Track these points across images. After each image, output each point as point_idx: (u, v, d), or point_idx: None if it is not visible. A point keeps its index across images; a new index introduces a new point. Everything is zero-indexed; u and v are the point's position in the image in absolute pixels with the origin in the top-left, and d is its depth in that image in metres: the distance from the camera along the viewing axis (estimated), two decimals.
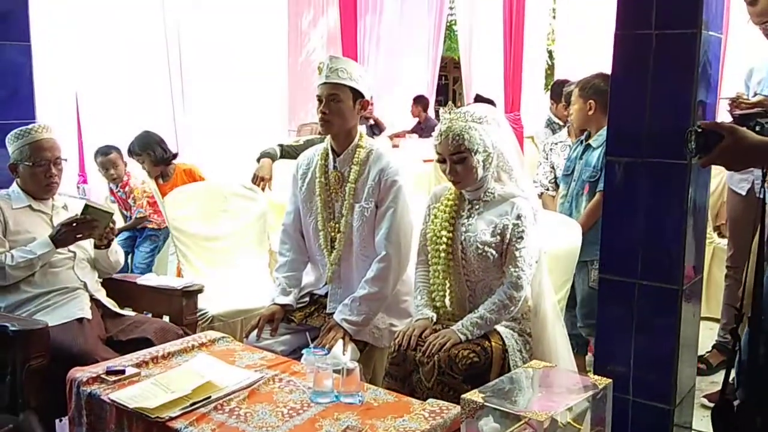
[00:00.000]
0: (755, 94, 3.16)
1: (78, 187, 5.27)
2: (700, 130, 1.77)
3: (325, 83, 2.64)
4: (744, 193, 3.46)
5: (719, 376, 3.47)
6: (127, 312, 2.94)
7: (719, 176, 4.25)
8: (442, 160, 2.46)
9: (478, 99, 6.77)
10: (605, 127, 3.18)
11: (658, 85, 2.04)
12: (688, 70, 2.00)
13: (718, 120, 2.20)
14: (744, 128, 1.78)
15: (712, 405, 3.14)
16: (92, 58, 5.09)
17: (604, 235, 2.21)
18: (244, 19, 5.69)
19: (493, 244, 2.40)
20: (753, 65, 3.39)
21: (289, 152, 4.19)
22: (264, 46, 5.92)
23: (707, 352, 3.61)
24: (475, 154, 2.39)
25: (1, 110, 3.17)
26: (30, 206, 2.83)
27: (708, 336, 3.70)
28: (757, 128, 1.87)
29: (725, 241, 3.90)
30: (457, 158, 2.40)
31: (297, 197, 2.86)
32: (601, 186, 3.16)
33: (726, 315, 3.64)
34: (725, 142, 1.73)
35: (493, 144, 2.44)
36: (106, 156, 4.49)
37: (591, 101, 3.32)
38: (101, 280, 2.98)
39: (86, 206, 2.75)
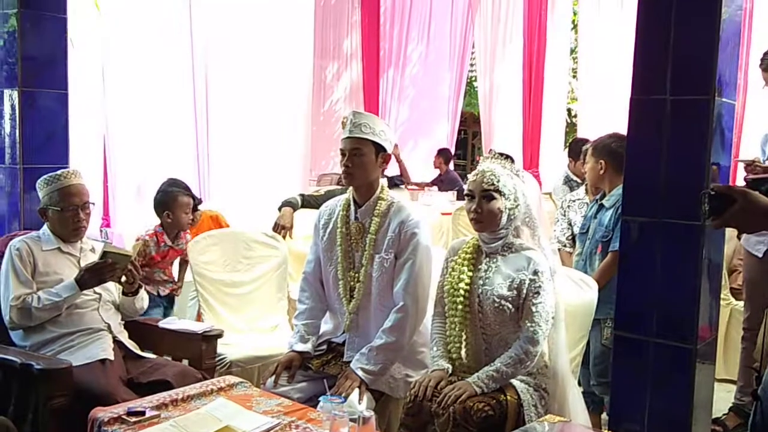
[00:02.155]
0: None
1: (101, 231, 5.37)
2: (713, 192, 1.82)
3: (348, 137, 2.73)
4: (761, 255, 3.48)
5: None
6: (148, 354, 2.98)
7: (733, 240, 4.27)
8: (470, 197, 2.52)
9: (490, 152, 6.85)
10: (618, 187, 3.27)
11: (673, 147, 2.11)
12: (702, 134, 2.07)
13: (735, 183, 2.25)
14: (756, 192, 1.82)
15: None
16: (120, 103, 5.24)
17: (620, 293, 2.25)
18: (270, 69, 5.86)
19: (510, 299, 2.44)
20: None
21: (310, 202, 4.29)
22: (288, 96, 6.08)
23: (724, 415, 3.58)
24: (505, 198, 2.46)
25: (37, 154, 3.29)
26: (59, 248, 2.92)
27: (725, 398, 3.67)
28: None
29: (743, 303, 3.90)
30: (486, 195, 2.47)
31: (318, 246, 2.92)
32: (613, 246, 3.20)
33: (743, 377, 3.61)
34: (737, 205, 1.76)
35: (524, 196, 2.50)
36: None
37: (602, 161, 3.38)
38: (124, 322, 3.04)
39: (104, 252, 2.83)
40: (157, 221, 3.72)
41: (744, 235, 3.60)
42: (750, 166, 3.13)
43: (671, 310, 2.10)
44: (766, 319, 3.11)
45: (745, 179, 2.12)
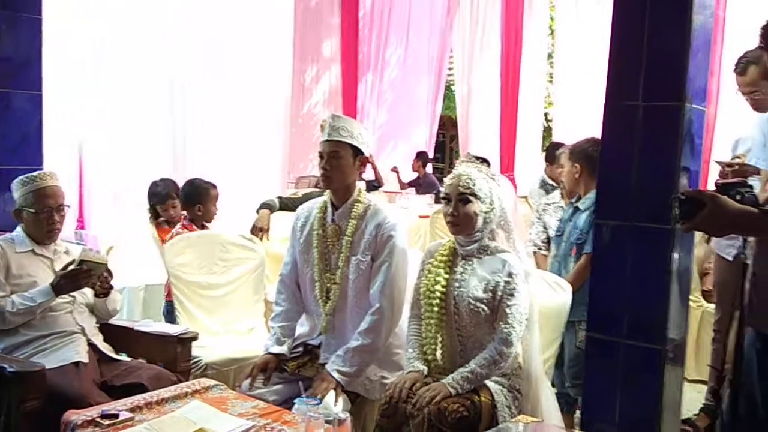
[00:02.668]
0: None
1: (75, 233, 5.32)
2: (683, 197, 1.86)
3: (327, 140, 2.74)
4: (731, 259, 3.54)
5: None
6: (123, 357, 2.97)
7: (705, 243, 4.35)
8: (447, 200, 2.55)
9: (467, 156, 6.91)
10: (593, 191, 3.32)
11: (645, 153, 2.14)
12: (673, 140, 2.11)
13: (706, 186, 2.30)
14: (725, 197, 1.86)
15: None
16: (96, 106, 5.20)
17: (592, 295, 2.28)
18: (249, 72, 5.86)
19: (485, 300, 2.47)
20: (739, 136, 3.52)
21: (288, 205, 4.30)
22: (267, 99, 6.08)
23: (695, 415, 3.64)
24: (481, 202, 2.49)
25: (11, 156, 3.27)
26: (33, 251, 2.89)
27: (697, 399, 3.73)
28: (738, 197, 1.95)
29: (713, 305, 3.96)
30: (462, 199, 2.49)
31: (295, 248, 2.93)
32: (587, 248, 3.25)
33: (713, 378, 3.67)
34: (707, 209, 1.80)
35: (500, 199, 2.53)
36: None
37: (578, 165, 3.44)
38: (98, 324, 3.02)
39: (81, 260, 2.81)
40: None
41: (714, 239, 3.67)
42: (724, 170, 3.19)
43: (642, 311, 2.14)
44: (732, 321, 3.17)
45: (715, 183, 2.17)
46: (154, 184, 4.31)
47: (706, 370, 3.91)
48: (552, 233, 3.77)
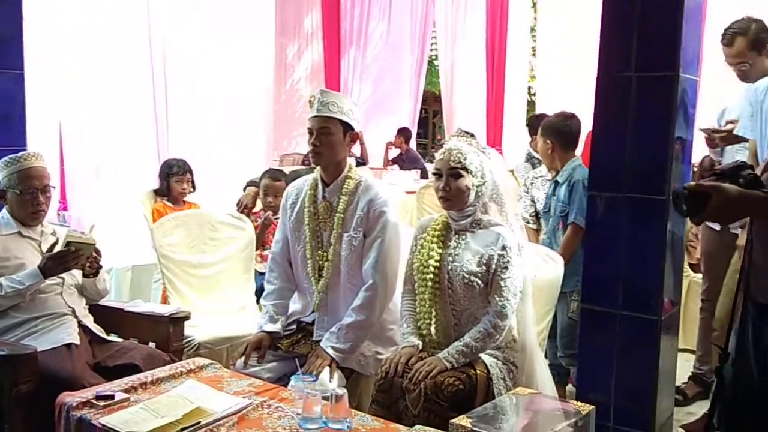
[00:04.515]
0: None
1: (58, 214, 5.26)
2: (686, 192, 1.82)
3: (316, 116, 2.71)
4: (718, 228, 3.57)
5: (695, 407, 3.57)
6: (114, 338, 2.95)
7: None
8: (438, 175, 2.54)
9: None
10: (569, 161, 3.38)
11: (638, 124, 2.14)
12: (666, 110, 2.11)
13: (694, 152, 2.31)
14: (727, 184, 1.82)
15: None
16: (77, 85, 5.11)
17: (586, 267, 2.29)
18: (231, 50, 5.78)
19: (479, 274, 2.47)
20: (725, 105, 3.53)
21: None
22: (250, 75, 6.00)
23: (683, 383, 3.69)
24: (472, 176, 2.48)
25: None
26: (19, 232, 2.85)
27: (684, 367, 3.78)
28: (741, 181, 1.94)
29: (701, 275, 4.00)
30: (453, 173, 2.48)
31: (286, 226, 2.91)
32: (570, 218, 3.27)
33: (702, 347, 3.72)
34: (714, 201, 1.78)
35: (491, 173, 2.53)
36: (277, 182, 4.07)
37: (549, 140, 3.48)
38: (88, 306, 2.99)
39: (68, 242, 2.77)
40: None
41: None
42: (710, 136, 3.21)
43: (636, 282, 2.15)
44: (720, 289, 3.21)
45: (714, 171, 2.14)
46: (167, 162, 4.52)
47: (693, 339, 3.96)
48: (540, 207, 3.78)
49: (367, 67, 9.34)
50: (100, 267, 2.95)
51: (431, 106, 16.72)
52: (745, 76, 3.34)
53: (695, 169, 3.22)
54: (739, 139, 3.11)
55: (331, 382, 2.57)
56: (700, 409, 3.52)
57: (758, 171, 2.01)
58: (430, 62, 11.41)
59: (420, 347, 2.54)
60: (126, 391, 2.26)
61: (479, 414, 1.80)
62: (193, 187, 4.43)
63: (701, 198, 1.79)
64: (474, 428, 1.71)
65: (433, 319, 2.58)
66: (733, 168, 1.87)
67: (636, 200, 2.15)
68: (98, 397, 2.18)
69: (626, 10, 2.15)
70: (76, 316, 2.84)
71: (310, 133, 2.73)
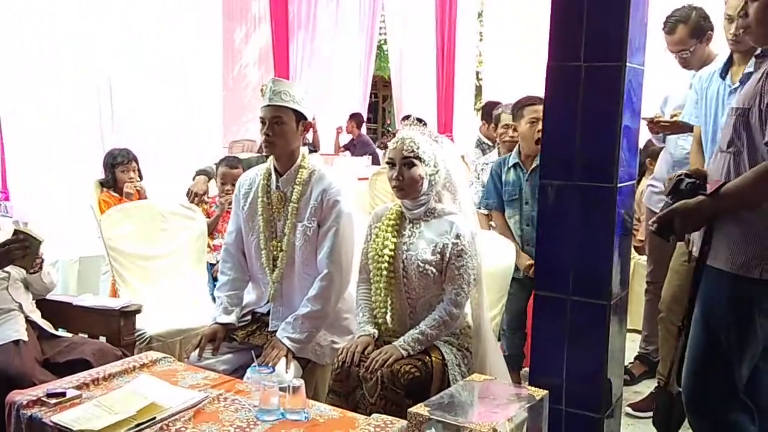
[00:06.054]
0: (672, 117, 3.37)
1: (0, 204, 5.10)
2: (655, 227, 2.14)
3: (268, 105, 2.68)
4: (658, 211, 3.66)
5: (642, 386, 3.68)
6: (63, 333, 2.89)
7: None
8: (391, 165, 2.55)
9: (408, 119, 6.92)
10: None
11: (587, 112, 2.18)
12: (614, 99, 2.15)
13: (641, 138, 2.41)
14: (679, 203, 2.11)
15: (636, 414, 3.34)
16: (16, 73, 4.94)
17: (539, 254, 2.34)
18: (177, 35, 5.64)
19: (434, 263, 2.49)
20: (668, 93, 3.62)
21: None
22: (197, 63, 5.87)
23: (630, 363, 3.80)
24: (425, 165, 2.50)
25: None
26: None
27: (630, 348, 3.88)
28: (688, 186, 2.13)
29: (645, 257, 4.11)
30: (407, 163, 2.50)
31: (239, 216, 2.89)
32: None
33: (647, 327, 3.83)
34: (677, 223, 2.09)
35: (444, 161, 2.55)
36: (235, 169, 4.09)
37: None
38: (35, 301, 2.92)
39: (15, 230, 2.69)
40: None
41: (646, 193, 3.78)
42: (652, 121, 3.29)
43: (586, 268, 2.20)
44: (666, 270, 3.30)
45: (667, 192, 2.28)
46: (110, 153, 4.41)
47: (638, 320, 4.08)
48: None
49: (316, 51, 9.26)
50: (42, 260, 2.87)
51: (381, 91, 16.71)
52: (687, 64, 3.43)
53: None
54: (684, 129, 3.19)
55: (287, 372, 2.57)
56: (646, 388, 3.64)
57: (710, 161, 2.16)
58: (380, 47, 11.37)
59: (376, 336, 2.56)
60: (78, 387, 2.21)
61: (436, 402, 1.83)
62: (140, 176, 4.32)
63: (668, 225, 2.09)
64: (431, 416, 1.74)
65: (389, 308, 2.60)
66: (674, 185, 2.10)
67: (585, 188, 2.19)
68: (49, 395, 2.13)
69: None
70: (23, 312, 2.77)
71: (263, 122, 2.71)
